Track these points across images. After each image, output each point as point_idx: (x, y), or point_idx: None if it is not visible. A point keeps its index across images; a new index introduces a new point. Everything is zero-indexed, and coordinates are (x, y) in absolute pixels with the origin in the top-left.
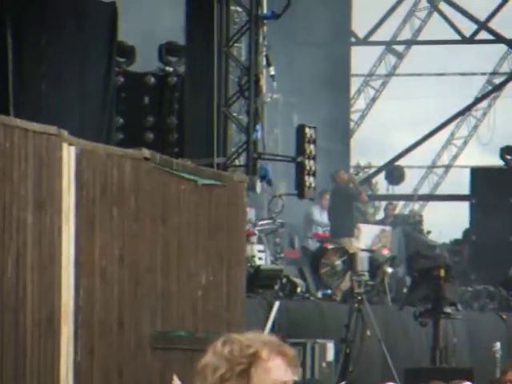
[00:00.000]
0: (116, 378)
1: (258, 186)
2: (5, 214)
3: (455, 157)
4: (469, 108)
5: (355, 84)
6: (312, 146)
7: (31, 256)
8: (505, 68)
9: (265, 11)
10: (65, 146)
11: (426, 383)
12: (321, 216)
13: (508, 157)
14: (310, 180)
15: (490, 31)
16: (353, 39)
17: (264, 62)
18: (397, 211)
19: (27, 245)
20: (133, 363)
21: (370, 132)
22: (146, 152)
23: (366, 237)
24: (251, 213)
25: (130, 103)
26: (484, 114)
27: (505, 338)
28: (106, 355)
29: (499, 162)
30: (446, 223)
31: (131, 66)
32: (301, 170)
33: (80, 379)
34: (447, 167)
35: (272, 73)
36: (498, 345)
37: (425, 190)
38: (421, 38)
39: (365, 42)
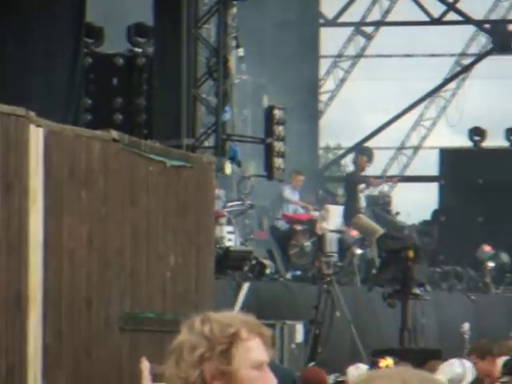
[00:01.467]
0: (84, 359)
1: (227, 167)
2: None
3: (424, 138)
4: (437, 89)
5: (324, 65)
6: (281, 128)
7: None
8: (473, 49)
9: None
10: (32, 127)
11: (395, 364)
12: (293, 196)
13: (476, 138)
14: (279, 161)
15: (459, 12)
16: (322, 20)
17: (233, 44)
18: (366, 192)
19: None
20: (101, 344)
21: (340, 113)
22: (115, 133)
23: (335, 218)
24: (220, 194)
25: (99, 84)
26: (453, 95)
27: (473, 318)
28: (75, 336)
29: (468, 143)
30: (415, 204)
31: (99, 47)
32: (270, 152)
33: (48, 360)
34: (416, 148)
35: (241, 54)
36: (466, 325)
37: (394, 171)
38: (389, 19)
39: (334, 23)
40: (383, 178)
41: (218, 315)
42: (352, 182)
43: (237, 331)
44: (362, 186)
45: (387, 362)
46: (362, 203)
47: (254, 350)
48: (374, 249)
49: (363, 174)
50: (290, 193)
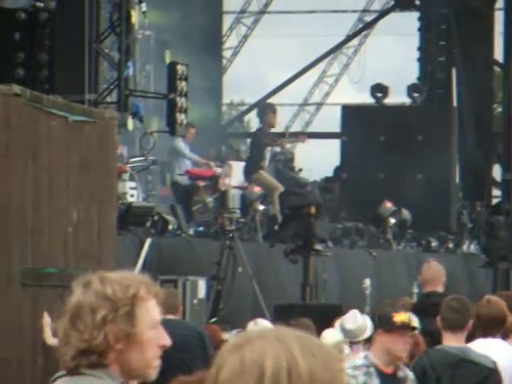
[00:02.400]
0: None
1: (130, 123)
2: None
3: (327, 94)
4: (340, 46)
5: (227, 21)
6: (184, 83)
7: None
8: (375, 6)
9: None
10: None
11: (296, 320)
12: (185, 149)
13: (378, 94)
14: (181, 117)
15: None
16: None
17: None
18: (268, 149)
19: None
20: (2, 301)
21: (243, 69)
22: (17, 88)
23: (238, 174)
24: (123, 150)
25: (0, 39)
26: (355, 52)
27: (374, 274)
28: None
29: (370, 100)
30: (318, 161)
31: (1, 2)
32: (172, 107)
33: None
34: (319, 105)
35: (143, 9)
36: (367, 281)
37: (296, 127)
38: None
39: None
40: (287, 135)
41: (114, 275)
42: (258, 139)
43: (137, 292)
44: (269, 143)
45: (402, 316)
46: (266, 161)
47: (152, 310)
48: (276, 205)
49: (271, 131)
50: (182, 146)
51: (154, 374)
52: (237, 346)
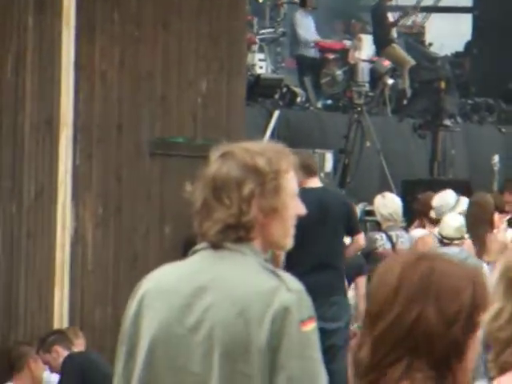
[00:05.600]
0: (114, 182)
1: None
2: (5, 16)
3: None
4: None
5: None
6: None
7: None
8: None
9: None
10: None
11: (423, 194)
12: (305, 24)
13: None
14: None
15: None
16: None
17: None
18: (400, 22)
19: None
20: (131, 168)
21: None
22: None
23: (368, 47)
24: (253, 21)
25: None
26: None
27: (503, 151)
28: (105, 160)
29: None
30: (449, 35)
31: None
32: None
33: (78, 183)
34: None
35: None
36: (496, 157)
37: (428, 1)
38: None
39: None
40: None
41: (254, 146)
42: (378, 14)
43: (280, 164)
44: (391, 17)
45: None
46: (394, 34)
47: (292, 181)
48: (405, 79)
49: (390, 3)
50: (299, 18)
51: (291, 243)
52: None
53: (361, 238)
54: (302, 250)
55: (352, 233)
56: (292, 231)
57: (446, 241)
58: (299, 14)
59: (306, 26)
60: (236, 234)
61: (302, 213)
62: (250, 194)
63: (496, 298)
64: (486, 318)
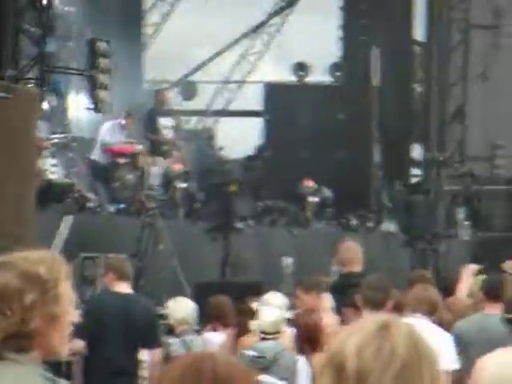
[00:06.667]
0: None
1: (50, 99)
2: None
3: (249, 72)
4: (263, 23)
5: None
6: (105, 60)
7: None
8: None
9: None
10: None
11: (213, 298)
12: (113, 135)
13: (300, 73)
14: (102, 94)
15: None
16: None
17: None
18: (190, 126)
19: None
20: None
21: (166, 46)
22: None
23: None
24: (43, 126)
25: None
26: (277, 30)
27: (295, 252)
28: None
29: (292, 78)
30: (240, 139)
31: None
32: (93, 84)
33: None
34: (241, 83)
35: None
36: (288, 260)
37: (218, 105)
38: None
39: None
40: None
41: (34, 254)
42: (153, 118)
43: (60, 272)
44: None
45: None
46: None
47: (70, 288)
48: (196, 183)
49: (165, 107)
50: (108, 133)
51: (67, 350)
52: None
53: (157, 353)
54: (99, 356)
55: (150, 345)
56: (68, 338)
57: (262, 335)
58: (106, 129)
59: (112, 134)
60: (18, 343)
61: (76, 320)
62: (32, 304)
63: None
64: None
